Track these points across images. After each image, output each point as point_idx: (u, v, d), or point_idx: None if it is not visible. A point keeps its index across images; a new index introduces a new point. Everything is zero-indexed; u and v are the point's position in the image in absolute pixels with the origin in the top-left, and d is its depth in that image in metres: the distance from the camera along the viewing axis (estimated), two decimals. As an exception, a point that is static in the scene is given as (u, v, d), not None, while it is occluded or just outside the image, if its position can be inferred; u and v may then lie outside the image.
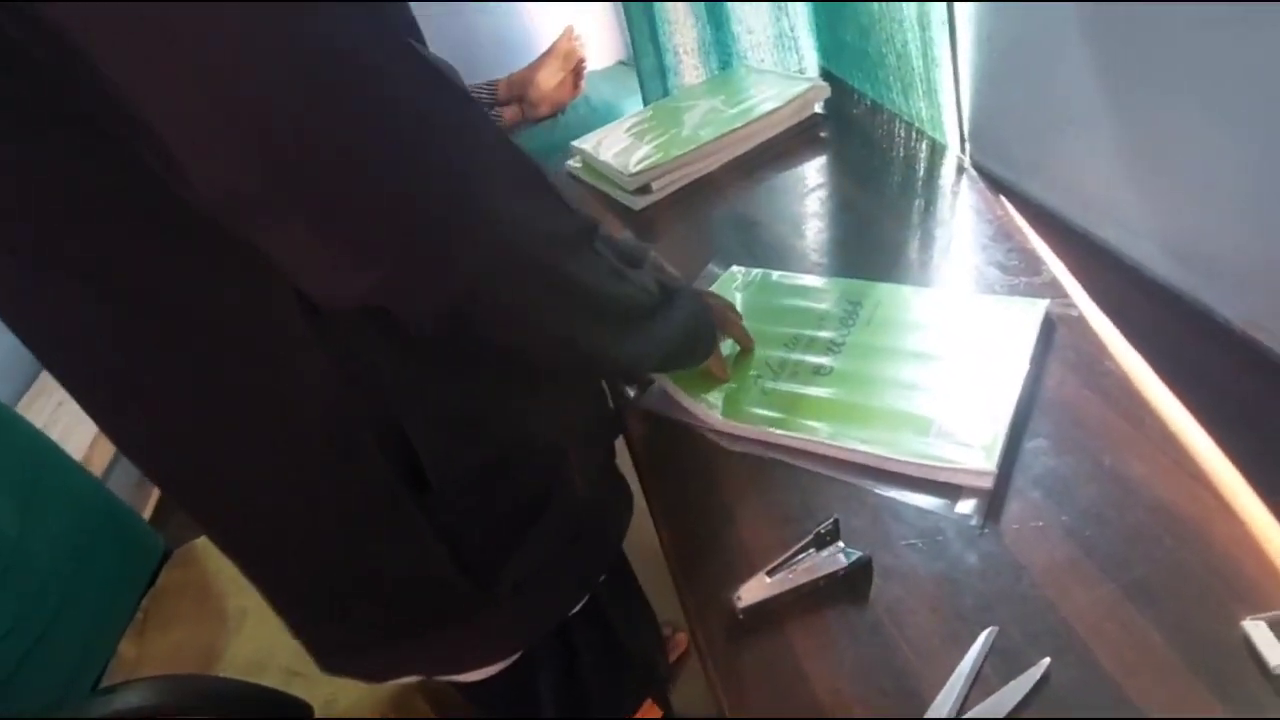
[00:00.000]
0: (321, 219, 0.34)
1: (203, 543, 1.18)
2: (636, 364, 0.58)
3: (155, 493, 1.97)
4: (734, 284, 0.80)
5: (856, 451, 0.58)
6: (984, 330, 0.65)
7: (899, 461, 0.56)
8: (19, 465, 1.06)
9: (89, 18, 0.30)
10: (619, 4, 2.12)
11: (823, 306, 0.73)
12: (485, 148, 0.39)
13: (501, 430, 0.52)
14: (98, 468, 1.64)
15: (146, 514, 1.84)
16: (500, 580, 0.53)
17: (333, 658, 0.59)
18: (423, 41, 0.39)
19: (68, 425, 1.73)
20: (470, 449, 0.50)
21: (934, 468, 0.54)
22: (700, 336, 0.63)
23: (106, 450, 1.71)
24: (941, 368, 0.63)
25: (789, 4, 1.13)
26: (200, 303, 0.41)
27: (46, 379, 1.99)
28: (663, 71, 1.29)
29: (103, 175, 0.37)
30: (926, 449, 0.56)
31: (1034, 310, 0.65)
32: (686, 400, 0.66)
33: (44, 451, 1.13)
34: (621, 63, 2.68)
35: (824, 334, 0.70)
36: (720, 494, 0.60)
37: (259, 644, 0.97)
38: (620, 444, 0.68)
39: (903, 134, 0.99)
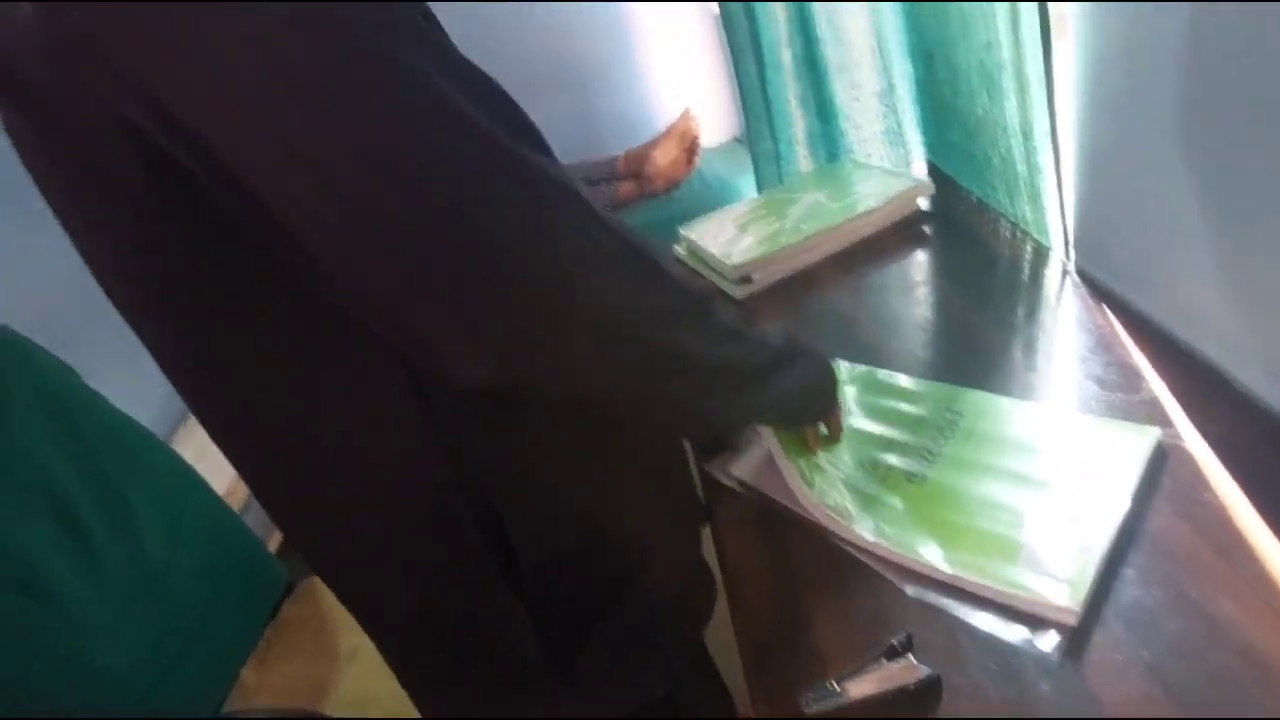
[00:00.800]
0: (447, 319, 0.40)
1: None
2: (745, 420, 0.60)
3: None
4: (839, 377, 0.82)
5: (938, 570, 0.58)
6: (1088, 455, 0.63)
7: (981, 585, 0.56)
8: (170, 494, 1.20)
9: (257, 165, 0.37)
10: (735, 86, 2.19)
11: (923, 411, 0.74)
12: (593, 240, 0.43)
13: (590, 515, 0.56)
14: (236, 503, 1.80)
15: (272, 548, 2.00)
16: (579, 662, 0.56)
17: (425, 704, 0.64)
18: (521, 122, 0.44)
19: (214, 462, 1.92)
20: (559, 531, 0.55)
21: (1017, 596, 0.54)
22: (818, 395, 0.65)
23: (245, 488, 1.87)
24: (1038, 492, 0.62)
25: (896, 102, 1.17)
26: (314, 377, 0.48)
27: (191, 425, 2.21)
28: (777, 157, 1.35)
29: (241, 271, 0.44)
30: (1012, 576, 0.55)
31: (1143, 440, 0.62)
32: (785, 465, 0.67)
33: (192, 483, 1.27)
34: (736, 139, 2.77)
35: (921, 440, 0.71)
36: (799, 590, 0.62)
37: (366, 683, 1.05)
38: (706, 533, 0.71)
39: (1007, 235, 1.00)
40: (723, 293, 1.06)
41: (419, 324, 0.41)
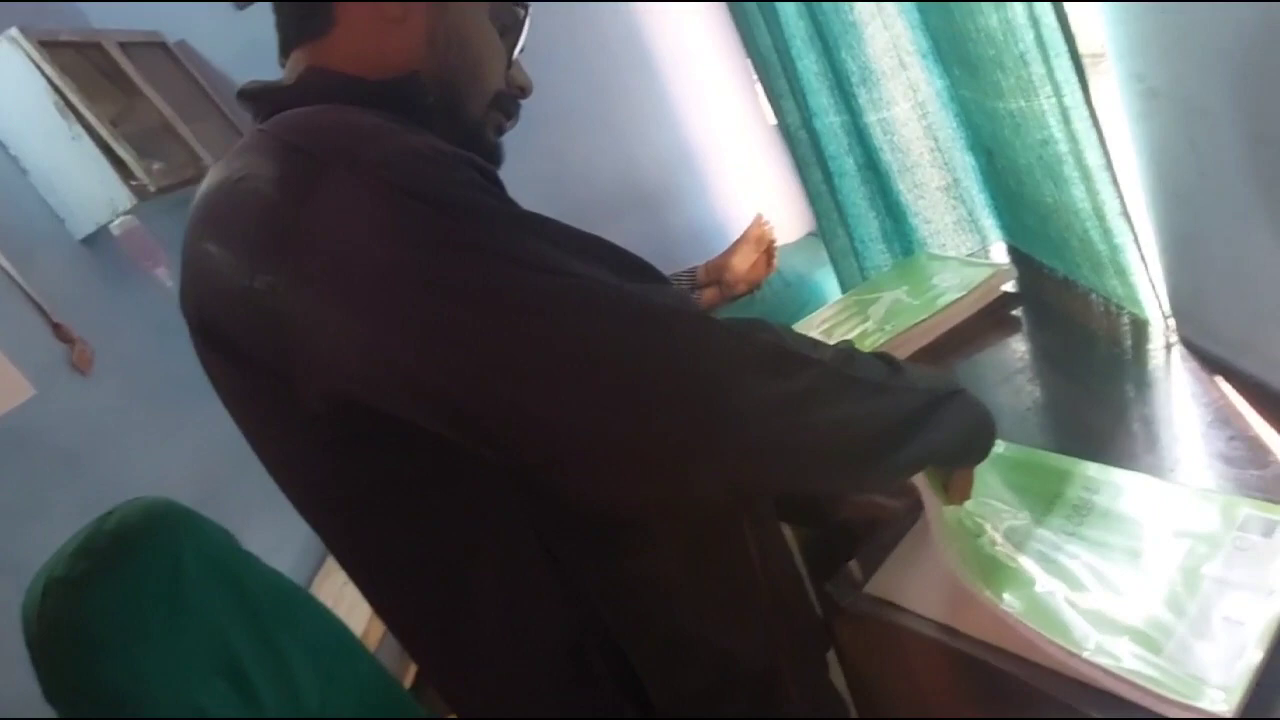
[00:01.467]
0: (619, 467, 0.46)
1: None
2: (907, 469, 0.58)
3: (414, 666, 2.20)
4: None
5: (1085, 663, 0.54)
6: (1243, 544, 0.59)
7: (1120, 679, 0.53)
8: (322, 644, 1.27)
9: (471, 403, 0.45)
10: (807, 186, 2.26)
11: (1057, 489, 0.71)
12: (730, 361, 0.47)
13: (714, 652, 0.58)
14: (372, 643, 1.88)
15: (406, 683, 2.06)
16: None
17: None
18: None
19: (351, 602, 2.02)
20: (686, 672, 0.57)
21: (1162, 698, 0.51)
22: (979, 433, 0.63)
23: (380, 628, 1.96)
24: (1189, 579, 0.58)
25: (963, 194, 1.20)
26: (459, 526, 0.53)
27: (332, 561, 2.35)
28: (855, 254, 1.39)
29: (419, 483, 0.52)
30: (1156, 672, 0.52)
31: None
32: (963, 573, 0.63)
33: (340, 632, 1.34)
34: (811, 234, 2.82)
35: (1058, 520, 0.68)
36: (931, 709, 0.61)
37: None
38: (832, 657, 0.72)
39: (1100, 309, 0.98)
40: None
41: (619, 481, 0.47)
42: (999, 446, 0.77)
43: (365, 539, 0.55)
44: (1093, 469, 0.72)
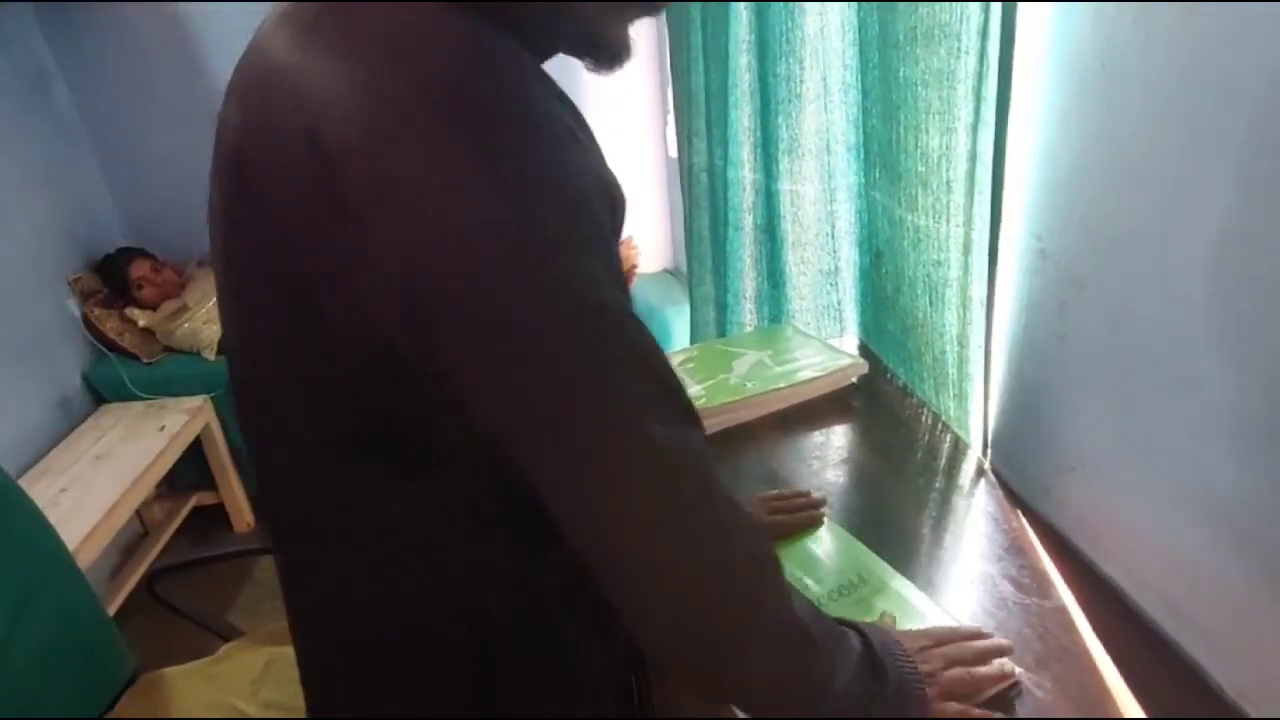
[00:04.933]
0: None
1: (171, 674, 1.15)
2: None
3: (121, 598, 1.92)
4: None
5: None
6: None
7: None
8: (25, 560, 1.07)
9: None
10: (682, 226, 2.31)
11: (831, 564, 0.82)
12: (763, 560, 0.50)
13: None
14: (83, 563, 1.62)
15: (112, 610, 1.79)
16: None
17: None
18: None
19: (65, 512, 1.73)
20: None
21: None
22: None
23: (94, 547, 1.69)
24: None
25: (839, 282, 1.28)
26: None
27: (52, 459, 2.01)
28: (721, 306, 1.43)
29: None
30: None
31: None
32: None
33: (52, 552, 1.13)
34: (668, 271, 2.89)
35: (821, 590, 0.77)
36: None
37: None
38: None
39: (929, 422, 1.09)
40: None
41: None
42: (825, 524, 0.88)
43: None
44: (880, 568, 0.82)
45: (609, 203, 0.44)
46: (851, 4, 1.05)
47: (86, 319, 2.30)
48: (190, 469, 2.29)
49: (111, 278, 2.39)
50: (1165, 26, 0.62)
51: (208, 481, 2.37)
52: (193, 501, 2.40)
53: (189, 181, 2.49)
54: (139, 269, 2.39)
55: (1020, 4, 0.76)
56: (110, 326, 2.33)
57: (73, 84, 2.40)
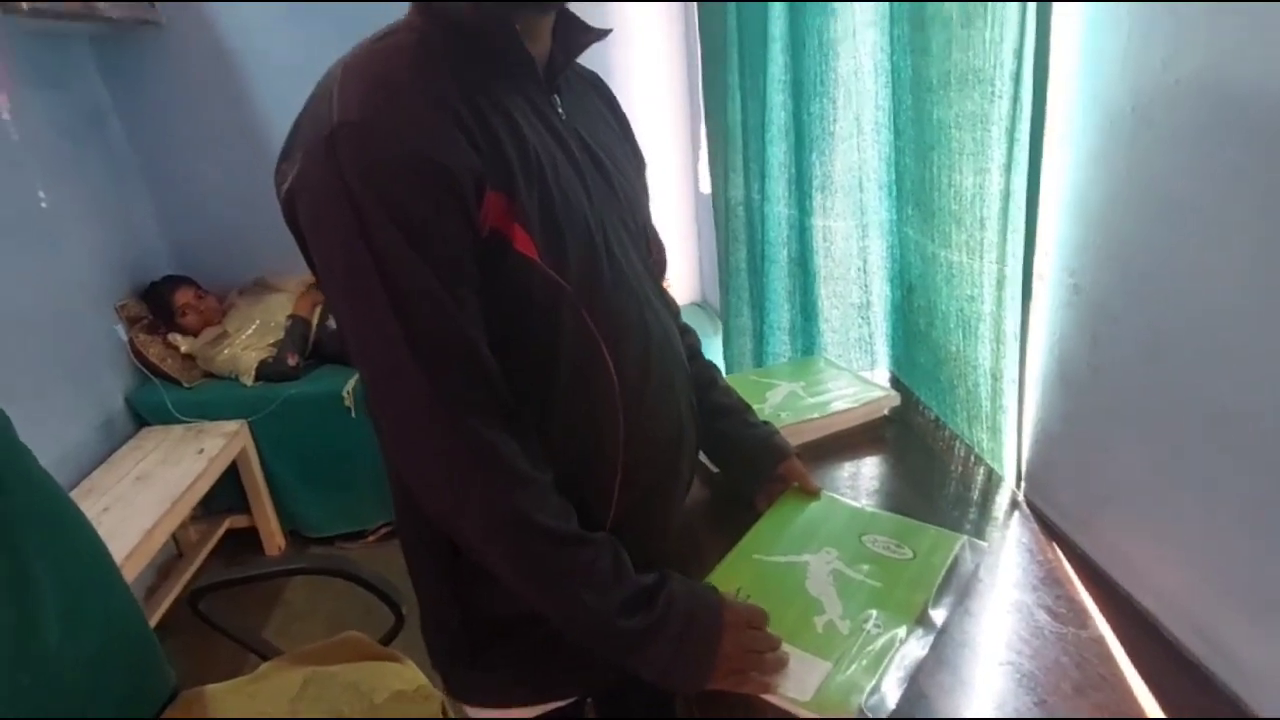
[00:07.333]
0: None
1: (212, 690, 1.18)
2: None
3: (156, 619, 1.95)
4: None
5: None
6: None
7: None
8: (77, 573, 1.10)
9: None
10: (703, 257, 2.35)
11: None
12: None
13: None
14: (129, 573, 1.66)
15: (153, 623, 1.82)
16: None
17: None
18: None
19: (109, 530, 1.77)
20: None
21: None
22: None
23: (134, 567, 1.73)
24: None
25: (871, 316, 1.30)
26: None
27: (95, 478, 2.06)
28: (755, 333, 1.45)
29: None
30: None
31: None
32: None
33: (102, 566, 1.17)
34: (696, 304, 2.92)
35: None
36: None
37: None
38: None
39: (962, 454, 1.10)
40: (703, 469, 1.11)
41: None
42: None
43: None
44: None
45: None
46: (884, 49, 1.09)
47: (132, 344, 2.37)
48: (225, 492, 2.33)
49: (157, 304, 2.47)
50: (1193, 70, 0.65)
51: (241, 505, 2.42)
52: (226, 524, 2.45)
53: (233, 213, 2.59)
54: (183, 296, 2.47)
55: (1053, 50, 0.79)
56: (154, 351, 2.40)
57: (126, 120, 2.50)
